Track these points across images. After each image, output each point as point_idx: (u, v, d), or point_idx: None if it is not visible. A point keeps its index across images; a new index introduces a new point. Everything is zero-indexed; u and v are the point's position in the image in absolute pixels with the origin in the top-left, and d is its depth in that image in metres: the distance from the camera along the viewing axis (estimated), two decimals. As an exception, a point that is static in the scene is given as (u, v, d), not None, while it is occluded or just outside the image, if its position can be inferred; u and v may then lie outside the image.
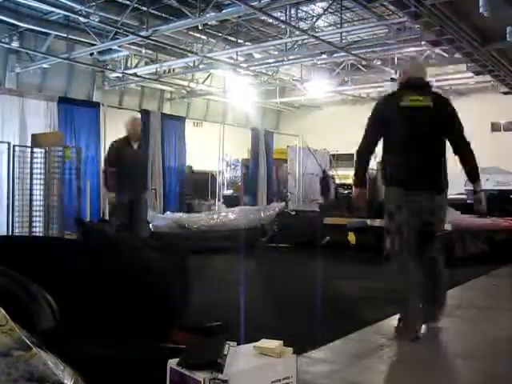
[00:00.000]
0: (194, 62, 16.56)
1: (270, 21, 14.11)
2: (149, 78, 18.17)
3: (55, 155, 8.44)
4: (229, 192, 17.94)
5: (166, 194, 12.18)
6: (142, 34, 12.60)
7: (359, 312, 5.17)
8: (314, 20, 14.25)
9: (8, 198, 8.33)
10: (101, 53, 15.65)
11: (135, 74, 17.53)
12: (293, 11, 12.76)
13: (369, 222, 9.64)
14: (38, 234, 8.29)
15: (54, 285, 3.02)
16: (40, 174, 8.43)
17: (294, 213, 12.31)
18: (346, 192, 18.80)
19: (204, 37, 14.64)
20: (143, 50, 15.95)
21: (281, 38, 14.12)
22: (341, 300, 5.76)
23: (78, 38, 14.39)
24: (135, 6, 12.10)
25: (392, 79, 15.94)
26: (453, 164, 4.64)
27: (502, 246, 8.84)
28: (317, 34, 13.82)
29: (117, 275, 3.32)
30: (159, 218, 10.21)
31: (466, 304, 5.80)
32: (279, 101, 22.96)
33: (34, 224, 8.48)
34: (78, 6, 11.75)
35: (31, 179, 8.40)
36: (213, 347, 2.52)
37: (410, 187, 4.30)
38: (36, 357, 2.01)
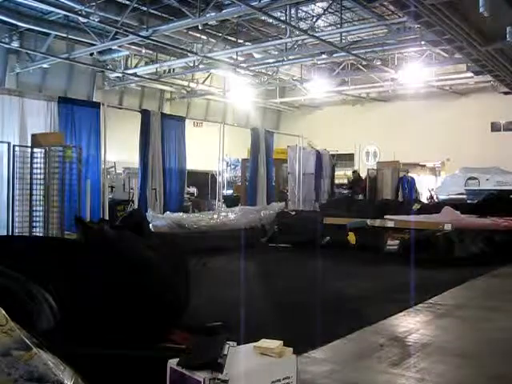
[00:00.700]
0: (194, 62, 16.56)
1: (270, 21, 14.12)
2: (149, 78, 18.17)
3: (55, 155, 8.44)
4: (229, 192, 17.95)
5: (166, 194, 12.18)
6: (142, 34, 12.60)
7: (359, 312, 5.17)
8: (314, 20, 14.25)
9: (8, 198, 8.33)
10: (101, 53, 15.67)
11: (135, 74, 17.53)
12: (293, 11, 12.75)
13: (369, 222, 9.64)
14: (37, 234, 8.29)
15: (54, 285, 3.02)
16: (40, 173, 8.43)
17: (293, 213, 12.31)
18: (345, 192, 18.84)
19: (204, 37, 14.63)
20: (143, 50, 15.95)
21: (281, 38, 14.12)
22: (341, 300, 5.76)
23: (77, 38, 14.39)
24: (135, 6, 12.10)
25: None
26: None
27: (502, 246, 8.85)
28: (317, 34, 13.82)
29: (117, 275, 3.32)
30: (159, 218, 10.21)
31: (466, 304, 5.81)
32: (279, 101, 22.97)
33: (33, 224, 8.48)
34: (77, 6, 11.76)
35: (31, 179, 8.40)
36: (213, 347, 2.53)
37: None
38: (36, 357, 2.01)
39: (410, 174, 18.61)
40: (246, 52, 15.63)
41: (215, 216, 10.96)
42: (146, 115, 11.96)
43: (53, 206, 8.40)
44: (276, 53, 16.02)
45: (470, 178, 17.67)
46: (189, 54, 15.28)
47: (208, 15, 11.87)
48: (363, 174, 18.22)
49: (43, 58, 15.16)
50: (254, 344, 2.68)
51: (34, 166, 8.50)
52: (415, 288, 6.02)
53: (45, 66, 15.84)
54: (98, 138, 10.65)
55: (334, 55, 15.52)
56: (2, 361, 1.91)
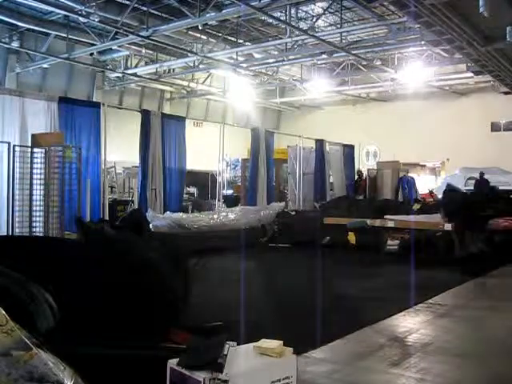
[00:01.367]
0: (194, 62, 16.57)
1: (270, 21, 14.13)
2: (149, 78, 18.18)
3: (55, 155, 8.43)
4: (229, 192, 17.93)
5: (166, 194, 12.17)
6: (142, 34, 12.61)
7: (359, 312, 5.17)
8: (314, 20, 14.25)
9: (8, 197, 8.32)
10: (101, 53, 15.67)
11: (135, 74, 17.54)
12: (293, 11, 12.75)
13: (369, 222, 9.63)
14: (37, 234, 8.28)
15: (54, 285, 3.02)
16: (40, 174, 8.42)
17: (293, 213, 12.31)
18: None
19: (204, 37, 14.64)
20: (143, 50, 15.96)
21: (281, 38, 14.13)
22: (341, 300, 5.75)
23: (78, 38, 14.41)
24: (135, 6, 12.11)
25: None
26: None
27: (502, 246, 8.85)
28: (317, 34, 13.83)
29: (116, 275, 3.32)
30: (159, 218, 10.20)
31: (466, 304, 5.81)
32: (279, 101, 22.98)
33: (33, 224, 8.47)
34: (77, 6, 11.76)
35: (31, 179, 8.39)
36: (213, 347, 2.52)
37: None
38: (36, 357, 2.01)
39: (409, 174, 18.62)
40: (246, 52, 15.64)
41: (215, 216, 10.95)
42: (146, 115, 11.95)
43: (53, 206, 8.39)
44: (276, 53, 16.02)
45: (469, 178, 17.67)
46: (189, 54, 15.29)
47: (208, 15, 11.87)
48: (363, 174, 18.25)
49: (43, 58, 15.17)
50: (254, 344, 2.68)
51: (34, 166, 8.48)
52: (415, 288, 6.01)
53: (45, 65, 15.84)
54: (98, 138, 10.64)
55: (334, 55, 15.53)
56: (1, 361, 1.91)
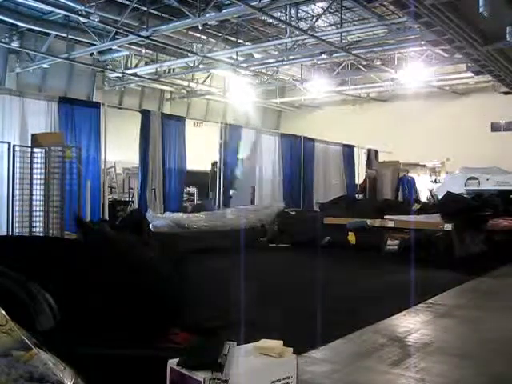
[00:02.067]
0: (194, 62, 16.57)
1: (270, 21, 14.13)
2: (149, 78, 18.18)
3: (55, 155, 8.43)
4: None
5: (165, 194, 12.17)
6: (142, 34, 12.61)
7: (359, 312, 5.16)
8: (314, 20, 14.25)
9: (8, 197, 8.32)
10: (101, 53, 15.67)
11: (135, 74, 17.54)
12: (293, 11, 12.76)
13: (369, 222, 9.63)
14: (37, 234, 8.28)
15: (54, 285, 3.02)
16: (40, 174, 8.42)
17: (293, 213, 12.30)
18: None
19: (204, 37, 14.64)
20: (143, 50, 15.96)
21: (281, 38, 14.13)
22: (341, 300, 5.75)
23: (78, 38, 14.40)
24: (135, 6, 12.11)
25: None
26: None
27: (502, 246, 8.85)
28: (317, 34, 13.83)
29: (116, 275, 3.32)
30: (159, 218, 10.21)
31: (466, 304, 5.81)
32: (279, 101, 22.98)
33: (33, 224, 8.47)
34: (78, 6, 11.76)
35: (31, 179, 8.39)
36: (213, 347, 2.52)
37: None
38: (36, 357, 2.01)
39: (409, 174, 18.61)
40: (245, 52, 15.64)
41: (215, 216, 10.96)
42: (145, 115, 11.95)
43: (53, 206, 8.39)
44: (276, 53, 16.02)
45: (470, 178, 17.65)
46: (189, 54, 15.29)
47: (208, 15, 11.87)
48: (363, 174, 18.23)
49: (43, 57, 15.17)
50: (254, 344, 2.68)
51: (34, 166, 8.49)
52: (415, 288, 6.01)
53: (45, 66, 15.84)
54: (97, 138, 10.65)
55: (334, 55, 15.52)
56: (1, 361, 1.91)
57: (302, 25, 14.23)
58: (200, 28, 13.32)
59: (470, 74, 17.08)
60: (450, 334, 4.54)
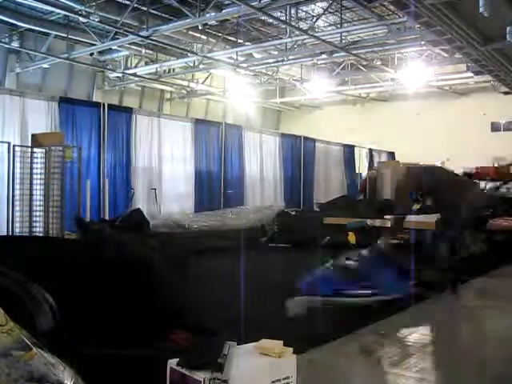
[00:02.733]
0: (194, 62, 16.56)
1: (270, 21, 14.11)
2: (149, 78, 18.17)
3: (55, 155, 8.43)
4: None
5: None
6: (142, 33, 12.60)
7: (359, 312, 5.16)
8: (314, 20, 14.25)
9: (8, 197, 8.32)
10: (101, 53, 15.66)
11: (135, 74, 17.53)
12: (293, 11, 12.74)
13: (369, 222, 9.62)
14: (37, 234, 8.28)
15: (54, 285, 3.02)
16: (40, 174, 8.42)
17: (293, 213, 12.31)
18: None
19: (204, 37, 14.63)
20: (143, 50, 15.95)
21: (281, 38, 14.12)
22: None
23: (78, 38, 14.39)
24: (135, 6, 12.10)
25: None
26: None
27: (502, 246, 8.85)
28: (317, 34, 13.82)
29: (117, 275, 3.32)
30: (159, 218, 10.21)
31: (466, 304, 5.81)
32: (279, 101, 22.97)
33: (33, 224, 8.47)
34: (77, 6, 11.75)
35: (31, 179, 8.39)
36: (213, 347, 2.53)
37: None
38: (36, 357, 2.01)
39: (409, 174, 18.57)
40: (246, 52, 15.63)
41: (215, 216, 10.96)
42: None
43: (53, 206, 8.39)
44: (276, 53, 16.01)
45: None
46: (189, 54, 15.28)
47: (208, 15, 11.86)
48: (363, 174, 18.23)
49: (43, 57, 15.16)
50: (254, 344, 2.68)
51: (34, 165, 8.49)
52: (415, 288, 6.01)
53: (45, 66, 15.83)
54: (98, 137, 10.65)
55: (334, 55, 15.52)
56: (1, 361, 1.91)
57: (302, 25, 14.23)
58: (200, 28, 13.31)
59: (470, 74, 17.08)
60: (450, 334, 4.54)
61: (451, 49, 12.64)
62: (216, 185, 13.26)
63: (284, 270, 8.08)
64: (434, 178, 10.25)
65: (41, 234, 8.33)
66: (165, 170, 12.15)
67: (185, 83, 19.61)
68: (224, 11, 11.92)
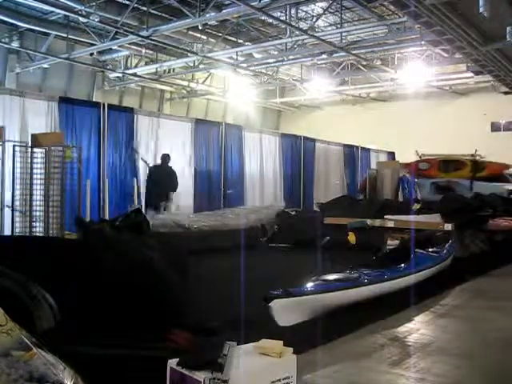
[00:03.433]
0: (194, 62, 16.56)
1: (270, 21, 14.12)
2: (149, 78, 18.17)
3: (55, 155, 8.43)
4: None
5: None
6: (142, 33, 12.60)
7: (359, 312, 5.16)
8: (314, 20, 14.25)
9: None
10: (101, 53, 15.66)
11: (135, 74, 17.53)
12: (293, 11, 12.74)
13: (369, 222, 9.62)
14: (37, 234, 8.28)
15: (54, 285, 3.02)
16: (40, 173, 8.42)
17: (293, 213, 12.29)
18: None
19: (204, 37, 14.64)
20: (143, 50, 15.95)
21: (281, 38, 14.12)
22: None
23: (78, 38, 14.40)
24: (135, 6, 12.10)
25: None
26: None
27: (502, 246, 8.85)
28: (317, 34, 13.82)
29: (116, 275, 3.32)
30: (159, 218, 10.19)
31: (466, 304, 5.81)
32: (279, 101, 22.98)
33: (33, 224, 8.47)
34: (78, 6, 11.76)
35: (31, 179, 8.39)
36: (213, 347, 2.53)
37: None
38: (36, 357, 2.01)
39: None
40: (246, 52, 15.63)
41: (215, 216, 10.95)
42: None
43: (53, 206, 8.38)
44: (276, 53, 16.02)
45: (470, 178, 17.64)
46: (189, 54, 15.28)
47: (208, 15, 11.86)
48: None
49: (43, 57, 15.16)
50: (254, 344, 2.68)
51: (34, 165, 8.49)
52: (415, 288, 6.01)
53: (45, 66, 15.83)
54: (98, 137, 10.65)
55: (334, 55, 15.53)
56: (1, 361, 1.91)
57: (302, 25, 14.23)
58: (200, 28, 13.32)
59: (470, 74, 17.08)
60: (450, 334, 4.54)
61: (451, 49, 12.64)
62: (216, 185, 13.27)
63: (284, 270, 8.07)
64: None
65: (41, 234, 8.33)
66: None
67: (185, 83, 19.61)
68: (224, 11, 11.92)
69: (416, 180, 16.81)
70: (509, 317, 5.16)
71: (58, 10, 12.04)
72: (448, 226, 8.52)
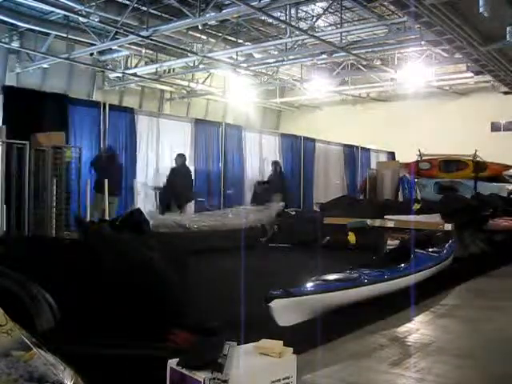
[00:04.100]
0: (194, 62, 16.56)
1: (270, 21, 14.12)
2: (149, 78, 18.17)
3: (55, 155, 8.43)
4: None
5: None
6: (142, 33, 12.60)
7: (359, 312, 5.15)
8: (314, 20, 14.25)
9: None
10: (101, 53, 15.67)
11: (135, 74, 17.53)
12: (293, 11, 12.74)
13: (369, 222, 9.62)
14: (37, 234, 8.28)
15: (54, 285, 3.02)
16: (40, 173, 8.42)
17: (293, 213, 12.29)
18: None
19: (204, 37, 14.63)
20: (143, 50, 15.96)
21: (281, 38, 14.12)
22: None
23: (78, 38, 14.39)
24: (135, 6, 12.10)
25: None
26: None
27: (502, 246, 8.85)
28: (317, 34, 13.82)
29: (116, 275, 3.32)
30: (159, 218, 10.19)
31: (466, 304, 5.81)
32: (279, 101, 22.97)
33: (33, 224, 8.47)
34: (78, 6, 11.76)
35: (30, 179, 8.39)
36: (213, 347, 2.53)
37: None
38: (36, 357, 2.01)
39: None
40: (246, 52, 15.63)
41: (215, 216, 10.95)
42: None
43: (53, 206, 8.38)
44: (276, 53, 16.02)
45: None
46: (189, 54, 15.28)
47: (208, 15, 11.86)
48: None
49: (43, 57, 15.16)
50: (254, 344, 2.68)
51: (34, 165, 8.48)
52: (415, 288, 6.01)
53: (45, 66, 15.83)
54: (98, 137, 10.65)
55: (334, 55, 15.52)
56: (1, 361, 1.91)
57: (302, 25, 14.23)
58: (200, 28, 13.32)
59: (470, 74, 17.08)
60: (450, 334, 4.54)
61: (451, 49, 12.63)
62: (216, 185, 13.28)
63: (284, 270, 8.07)
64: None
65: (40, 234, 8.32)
66: (165, 170, 12.12)
67: (185, 83, 19.61)
68: (224, 11, 11.92)
69: (417, 180, 16.85)
70: (509, 317, 5.16)
71: (58, 10, 12.04)
72: (448, 226, 8.52)
